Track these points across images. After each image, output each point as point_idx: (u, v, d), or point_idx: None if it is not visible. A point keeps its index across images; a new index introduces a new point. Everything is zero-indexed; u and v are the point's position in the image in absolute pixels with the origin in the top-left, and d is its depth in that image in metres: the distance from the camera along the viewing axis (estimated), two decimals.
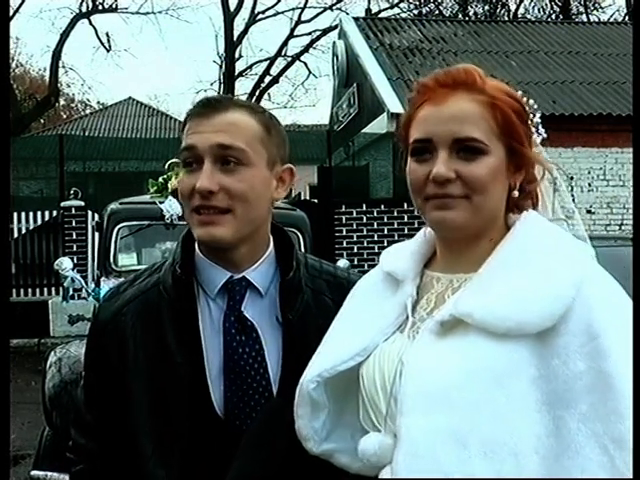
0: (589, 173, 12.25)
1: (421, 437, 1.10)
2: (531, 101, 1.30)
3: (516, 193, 1.25)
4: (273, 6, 24.46)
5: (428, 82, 1.25)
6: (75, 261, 7.16)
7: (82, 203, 11.10)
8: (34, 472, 3.57)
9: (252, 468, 1.31)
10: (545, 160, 1.30)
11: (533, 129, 1.29)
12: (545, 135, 1.32)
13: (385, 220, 11.03)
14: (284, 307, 1.46)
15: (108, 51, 24.18)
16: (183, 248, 1.48)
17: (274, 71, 24.65)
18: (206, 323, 1.44)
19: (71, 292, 5.55)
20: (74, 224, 10.99)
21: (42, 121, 27.61)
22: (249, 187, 1.39)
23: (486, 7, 26.05)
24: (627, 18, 23.66)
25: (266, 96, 25.47)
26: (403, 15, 22.73)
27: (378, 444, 1.19)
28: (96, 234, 7.02)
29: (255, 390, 1.41)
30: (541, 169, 1.30)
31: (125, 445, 1.45)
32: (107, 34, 23.84)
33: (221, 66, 24.54)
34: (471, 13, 25.57)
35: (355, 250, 10.91)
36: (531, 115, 1.29)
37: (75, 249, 10.77)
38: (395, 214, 10.89)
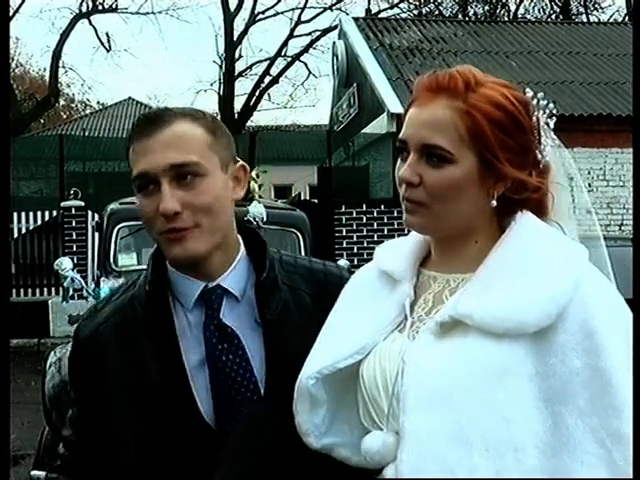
0: (589, 173, 12.25)
1: (424, 435, 1.13)
2: (551, 105, 1.29)
3: (494, 203, 1.24)
4: (273, 6, 24.45)
5: (418, 83, 1.27)
6: (75, 261, 7.16)
7: (82, 203, 11.11)
8: (34, 472, 3.56)
9: (237, 477, 1.30)
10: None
11: (542, 132, 1.27)
12: (555, 141, 1.31)
13: (385, 220, 11.03)
14: (261, 308, 1.44)
15: (108, 51, 24.18)
16: (154, 263, 1.45)
17: (274, 71, 24.62)
18: (185, 336, 1.42)
19: (71, 292, 5.54)
20: (74, 224, 10.99)
21: (42, 121, 27.61)
22: (211, 197, 1.36)
23: (486, 7, 26.05)
24: (627, 18, 23.67)
25: (266, 96, 25.46)
26: (403, 15, 22.70)
27: (381, 442, 1.21)
28: (96, 234, 7.02)
29: (243, 396, 1.40)
30: (559, 174, 1.30)
31: (111, 463, 1.42)
32: (107, 34, 23.84)
33: (221, 66, 24.52)
34: (471, 13, 25.57)
35: (355, 250, 10.92)
36: (548, 119, 1.29)
37: (75, 249, 10.78)
38: (395, 214, 10.89)
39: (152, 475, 1.38)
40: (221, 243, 1.41)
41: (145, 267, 1.50)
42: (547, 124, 1.29)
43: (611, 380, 1.10)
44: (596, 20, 23.62)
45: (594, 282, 1.19)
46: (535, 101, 1.29)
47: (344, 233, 11.11)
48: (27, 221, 11.85)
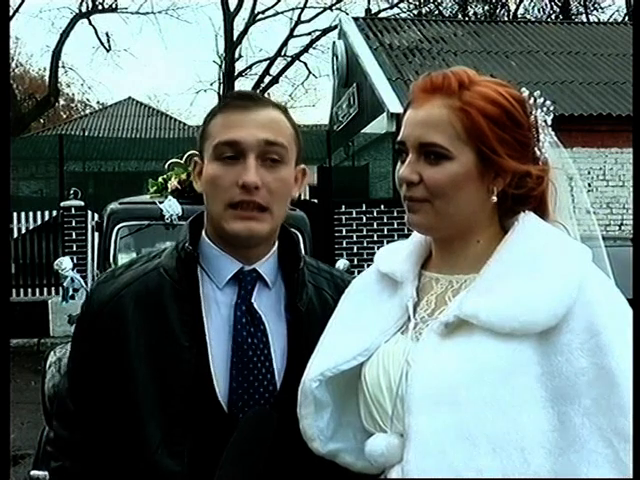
0: (589, 173, 12.25)
1: (430, 436, 1.13)
2: (548, 102, 1.30)
3: (494, 199, 1.25)
4: (273, 6, 24.49)
5: (414, 85, 1.28)
6: (75, 261, 7.16)
7: (82, 203, 11.09)
8: (34, 472, 3.55)
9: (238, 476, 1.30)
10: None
11: (541, 130, 1.28)
12: (553, 138, 1.31)
13: (385, 220, 11.03)
14: (293, 298, 1.46)
15: (108, 51, 24.21)
16: (190, 233, 1.46)
17: (274, 71, 24.68)
18: (211, 312, 1.42)
19: (71, 292, 5.54)
20: (74, 224, 10.98)
21: (42, 121, 27.59)
22: (286, 185, 1.41)
23: (486, 7, 26.05)
24: (627, 18, 23.67)
25: (266, 96, 25.46)
26: (403, 15, 22.73)
27: (385, 445, 1.21)
28: (96, 234, 7.01)
29: (260, 382, 1.40)
30: (559, 173, 1.31)
31: (125, 432, 1.39)
32: (107, 34, 23.87)
33: (221, 66, 24.55)
34: (471, 13, 25.57)
35: (355, 250, 10.91)
36: (545, 116, 1.29)
37: (75, 249, 10.76)
38: (395, 214, 10.89)
39: (169, 443, 1.37)
40: (274, 233, 1.45)
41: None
42: (545, 122, 1.30)
43: (617, 379, 1.10)
44: (596, 20, 23.63)
45: (598, 282, 1.19)
46: (532, 100, 1.29)
47: (344, 233, 11.10)
48: (27, 221, 11.84)
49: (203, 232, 1.48)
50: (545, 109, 1.30)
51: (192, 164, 1.48)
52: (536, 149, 1.27)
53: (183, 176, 4.82)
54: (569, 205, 1.35)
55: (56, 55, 21.53)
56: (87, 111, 30.31)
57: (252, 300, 1.44)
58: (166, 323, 1.40)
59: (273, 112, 1.42)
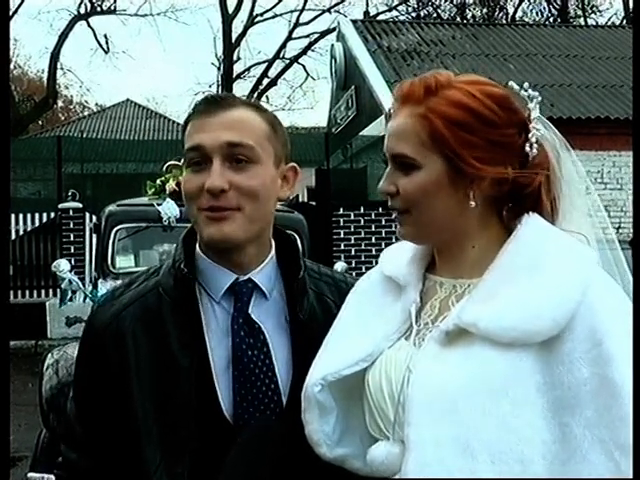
0: (587, 176, 12.25)
1: (430, 446, 1.10)
2: (535, 92, 1.26)
3: (472, 204, 1.21)
4: (271, 8, 24.51)
5: (394, 94, 1.28)
6: (73, 263, 7.15)
7: (80, 205, 11.09)
8: (31, 474, 3.54)
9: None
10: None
11: (532, 125, 1.23)
12: (557, 135, 1.27)
13: (383, 223, 11.02)
14: (294, 307, 1.43)
15: (106, 53, 24.23)
16: (184, 249, 1.43)
17: (272, 73, 24.71)
18: (211, 326, 1.40)
19: (69, 294, 5.54)
20: (72, 226, 10.97)
21: (40, 123, 27.56)
22: (260, 184, 1.36)
23: (484, 10, 26.08)
24: (625, 21, 23.70)
25: (264, 98, 25.48)
26: (401, 18, 22.77)
27: (386, 453, 1.19)
28: (94, 236, 7.01)
29: (264, 394, 1.37)
30: (568, 171, 1.29)
31: (127, 455, 1.37)
32: (105, 36, 23.88)
33: (219, 68, 24.57)
34: (469, 16, 25.60)
35: (353, 253, 10.91)
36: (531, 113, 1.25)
37: (73, 251, 10.75)
38: (393, 216, 10.87)
39: (168, 463, 1.34)
40: (257, 236, 1.40)
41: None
42: (530, 116, 1.24)
43: (620, 391, 1.06)
44: (594, 23, 23.67)
45: (603, 287, 1.15)
46: (525, 94, 1.25)
47: (342, 235, 11.10)
48: (25, 223, 11.83)
49: (197, 245, 1.45)
50: (535, 101, 1.25)
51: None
52: (526, 146, 1.23)
53: (181, 178, 4.81)
54: (582, 206, 1.30)
55: (54, 57, 21.54)
56: (85, 113, 30.29)
57: (249, 311, 1.40)
58: (166, 344, 1.37)
59: (239, 112, 1.37)
